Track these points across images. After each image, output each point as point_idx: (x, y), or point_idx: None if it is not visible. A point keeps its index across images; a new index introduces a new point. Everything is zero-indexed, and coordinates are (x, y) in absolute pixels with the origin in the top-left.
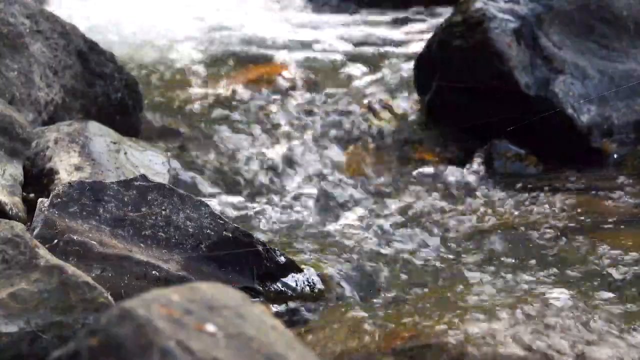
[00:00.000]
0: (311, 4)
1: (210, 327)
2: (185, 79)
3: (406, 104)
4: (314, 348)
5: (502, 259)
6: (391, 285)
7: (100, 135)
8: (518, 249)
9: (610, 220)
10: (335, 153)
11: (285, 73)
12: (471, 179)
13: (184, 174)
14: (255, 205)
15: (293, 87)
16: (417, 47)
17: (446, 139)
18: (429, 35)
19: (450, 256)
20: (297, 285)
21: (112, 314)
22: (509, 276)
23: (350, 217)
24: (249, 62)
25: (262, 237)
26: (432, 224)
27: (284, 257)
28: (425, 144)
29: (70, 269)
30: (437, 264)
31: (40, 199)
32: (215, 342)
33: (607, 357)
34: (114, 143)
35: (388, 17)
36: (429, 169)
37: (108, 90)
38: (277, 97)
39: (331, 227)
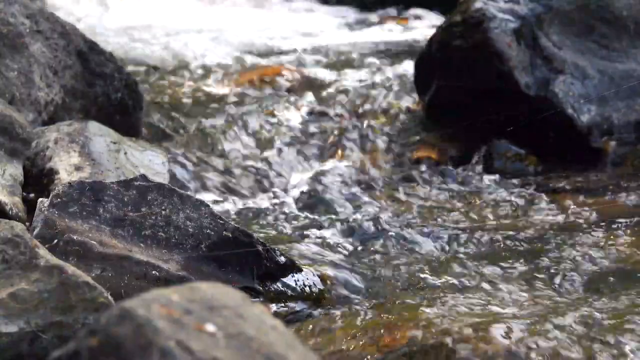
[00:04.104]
0: (311, 5)
1: (210, 327)
2: (186, 79)
3: (406, 104)
4: (314, 348)
5: (502, 259)
6: (391, 285)
7: (100, 135)
8: (518, 249)
9: (610, 220)
10: (335, 153)
11: (285, 73)
12: (471, 178)
13: (184, 174)
14: (255, 205)
15: (293, 87)
16: (417, 47)
17: (446, 139)
18: (429, 35)
19: (450, 256)
20: (297, 285)
21: (112, 314)
22: (509, 276)
23: (350, 217)
24: (249, 62)
25: (262, 237)
26: (432, 224)
27: (284, 257)
28: (425, 144)
29: (70, 269)
30: (437, 263)
31: (40, 199)
32: (215, 342)
33: (608, 357)
34: (114, 143)
35: (389, 16)
36: (429, 169)
37: (108, 90)
38: (278, 97)
39: (331, 227)
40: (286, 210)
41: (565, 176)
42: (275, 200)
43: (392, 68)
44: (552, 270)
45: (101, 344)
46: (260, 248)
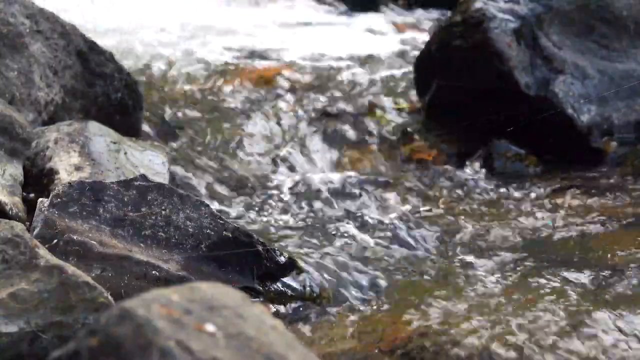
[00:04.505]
0: (312, 4)
1: (210, 327)
2: (186, 79)
3: (406, 104)
4: (314, 348)
5: (502, 258)
6: (391, 285)
7: (100, 135)
8: (518, 248)
9: (610, 220)
10: (335, 153)
11: (285, 73)
12: (471, 178)
13: (184, 174)
14: (255, 205)
15: (293, 87)
16: (417, 47)
17: (446, 139)
18: (428, 35)
19: (450, 256)
20: (297, 285)
21: (112, 314)
22: (509, 276)
23: (350, 217)
24: (249, 62)
25: (262, 237)
26: (432, 224)
27: (284, 257)
28: (425, 144)
29: (70, 269)
30: (437, 263)
31: (40, 199)
32: (214, 342)
33: (607, 356)
34: (114, 143)
35: (388, 17)
36: (428, 169)
37: (108, 90)
38: (278, 97)
39: (331, 226)
40: (286, 210)
41: (565, 176)
42: (275, 200)
43: (392, 68)
44: (552, 270)
45: (101, 344)
46: (260, 248)
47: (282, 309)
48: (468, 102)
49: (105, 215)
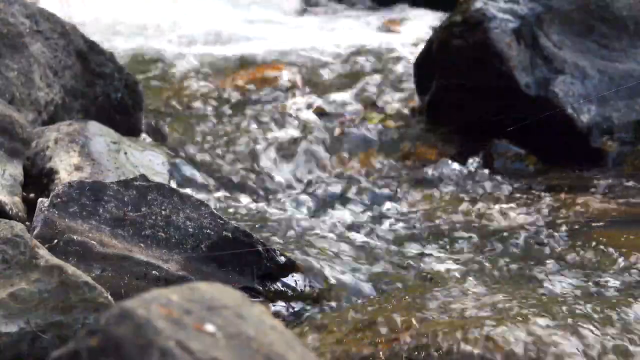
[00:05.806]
0: (311, 4)
1: (209, 327)
2: (185, 79)
3: (406, 104)
4: (314, 348)
5: (502, 259)
6: (391, 285)
7: (100, 135)
8: (518, 249)
9: (610, 220)
10: (335, 152)
11: (285, 73)
12: (471, 178)
13: (184, 174)
14: (255, 205)
15: (293, 87)
16: (417, 47)
17: (446, 139)
18: (428, 35)
19: (450, 256)
20: (297, 285)
21: (112, 314)
22: (509, 276)
23: (350, 217)
24: (249, 62)
25: (262, 237)
26: (432, 224)
27: (284, 257)
28: (425, 144)
29: (70, 269)
30: (437, 263)
31: (40, 199)
32: (214, 342)
33: (606, 358)
34: (114, 143)
35: (388, 16)
36: (428, 169)
37: (108, 90)
38: (277, 97)
39: (331, 226)
40: (286, 209)
41: (565, 176)
42: (275, 200)
43: (392, 68)
44: (552, 270)
45: (101, 344)
46: (260, 248)
47: (282, 309)
48: (468, 101)
49: (105, 215)
